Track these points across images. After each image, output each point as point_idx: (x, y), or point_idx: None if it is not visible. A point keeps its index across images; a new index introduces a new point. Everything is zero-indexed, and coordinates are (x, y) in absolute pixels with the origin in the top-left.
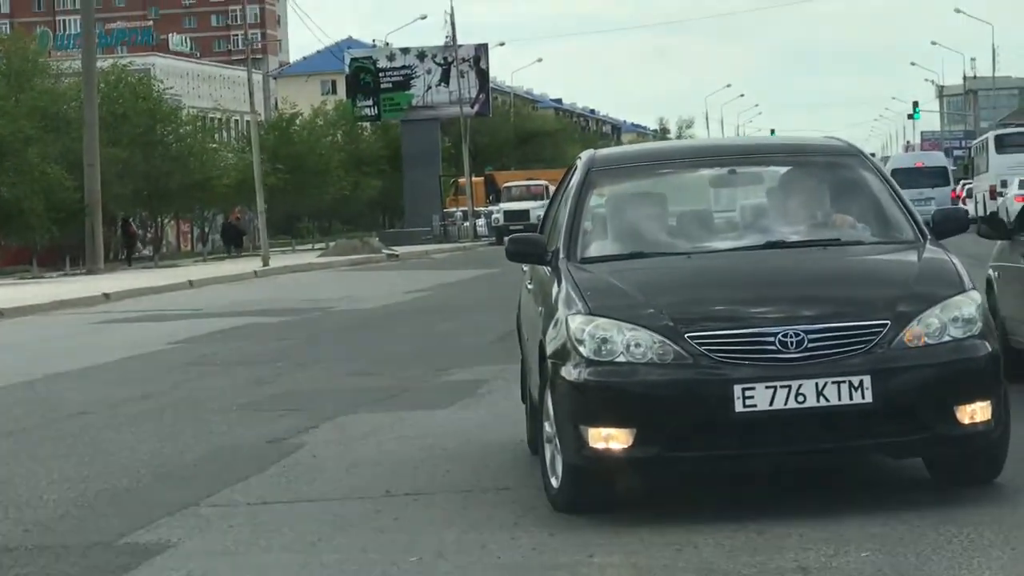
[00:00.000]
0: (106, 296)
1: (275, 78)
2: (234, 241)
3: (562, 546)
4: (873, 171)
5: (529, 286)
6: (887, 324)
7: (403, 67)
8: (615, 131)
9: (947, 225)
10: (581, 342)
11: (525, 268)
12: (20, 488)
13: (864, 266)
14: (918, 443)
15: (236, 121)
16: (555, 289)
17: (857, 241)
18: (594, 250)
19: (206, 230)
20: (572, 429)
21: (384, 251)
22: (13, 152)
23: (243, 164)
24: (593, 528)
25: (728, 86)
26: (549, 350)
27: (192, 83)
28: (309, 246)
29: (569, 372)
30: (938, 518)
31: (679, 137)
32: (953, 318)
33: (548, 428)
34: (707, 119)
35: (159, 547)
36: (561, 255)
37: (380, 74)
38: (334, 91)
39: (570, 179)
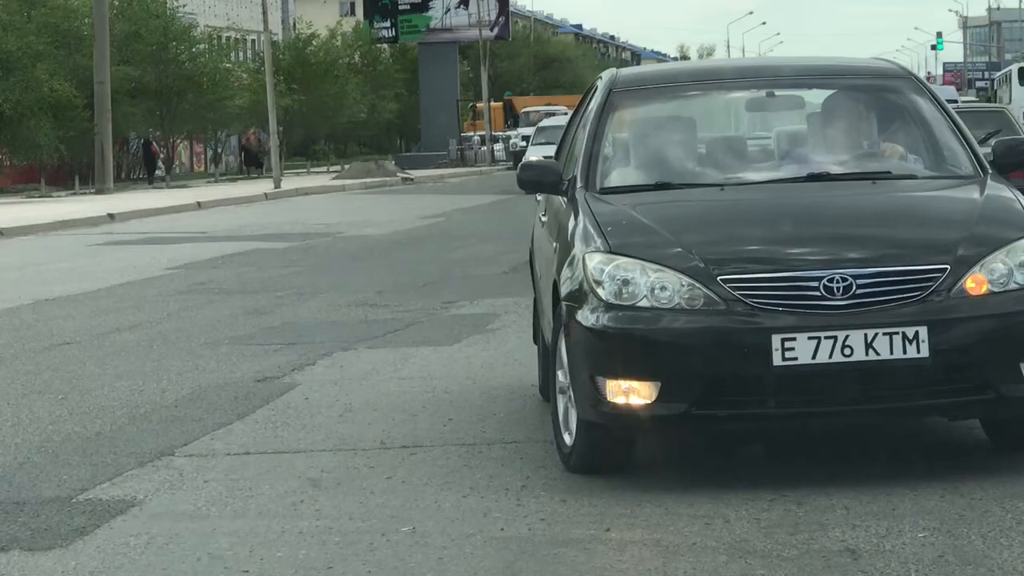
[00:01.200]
0: (110, 216)
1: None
2: (253, 162)
3: (574, 516)
4: (927, 96)
5: (543, 218)
6: (946, 269)
7: None
8: (635, 58)
9: (1010, 158)
10: (599, 283)
11: (539, 198)
12: None
13: (918, 203)
14: (979, 404)
15: (252, 41)
16: (571, 222)
17: (910, 174)
18: (615, 179)
19: (219, 151)
20: (588, 380)
21: (399, 174)
22: (20, 68)
23: (257, 85)
24: (610, 495)
25: (750, 13)
26: (564, 291)
27: (207, 1)
28: (324, 169)
29: (586, 316)
30: (1002, 491)
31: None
32: (1020, 263)
33: (561, 377)
34: (728, 47)
35: (121, 505)
36: (578, 184)
37: None
38: (352, 12)
39: (589, 101)
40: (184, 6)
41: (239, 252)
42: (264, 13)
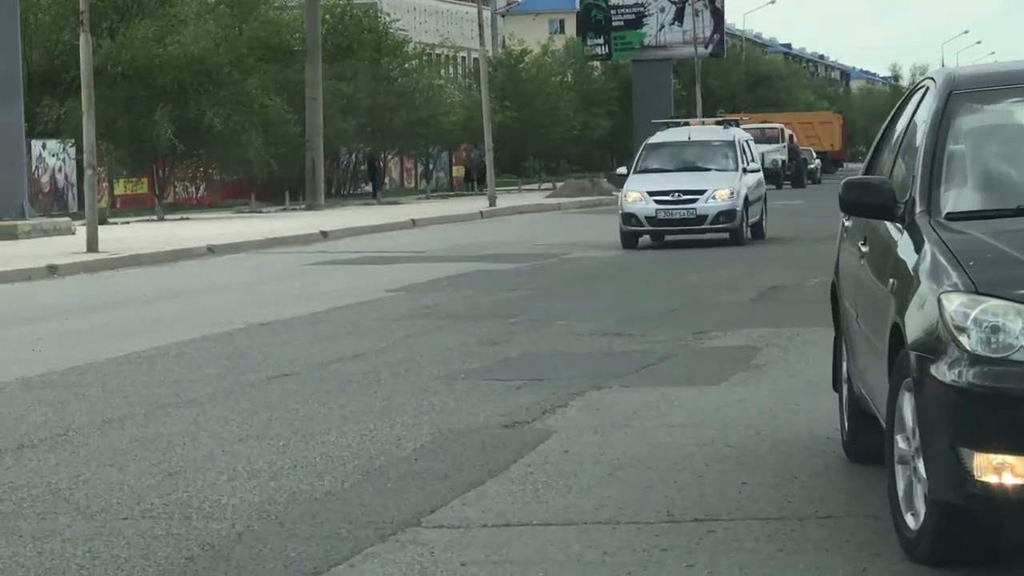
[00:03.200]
0: (323, 234)
1: (503, 15)
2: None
3: None
4: None
5: (863, 247)
6: None
7: (635, 4)
8: (844, 77)
9: None
10: (963, 330)
11: (847, 221)
12: (195, 485)
13: None
14: None
15: (463, 58)
16: (914, 255)
17: None
18: (964, 203)
19: (430, 167)
20: (949, 453)
21: (615, 192)
22: (231, 82)
23: (470, 102)
24: None
25: (966, 32)
26: (911, 337)
27: (418, 18)
28: (535, 186)
29: (944, 372)
30: None
31: (912, 86)
32: None
33: (903, 444)
34: (943, 64)
35: None
36: (918, 208)
37: (612, 11)
38: (562, 30)
39: (915, 107)
40: (398, 20)
41: (462, 274)
42: (480, 28)
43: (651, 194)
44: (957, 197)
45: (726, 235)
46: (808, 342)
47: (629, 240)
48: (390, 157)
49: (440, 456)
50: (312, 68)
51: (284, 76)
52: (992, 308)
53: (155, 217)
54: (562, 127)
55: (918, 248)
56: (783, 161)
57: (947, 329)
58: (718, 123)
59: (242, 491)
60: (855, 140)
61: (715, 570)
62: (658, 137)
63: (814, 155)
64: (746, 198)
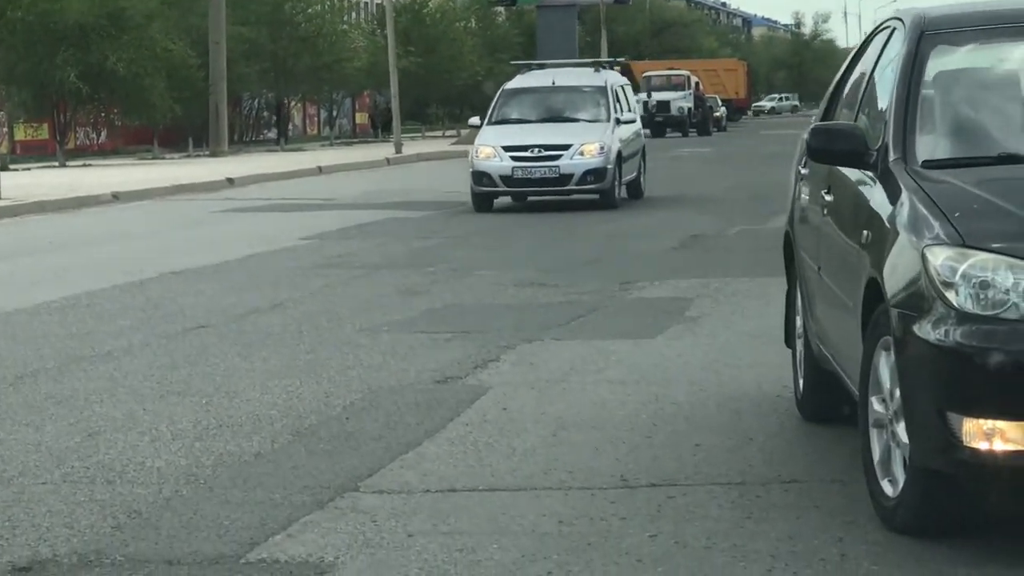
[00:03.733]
0: (230, 181)
1: None
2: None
3: None
4: None
5: (826, 197)
6: None
7: None
8: (746, 24)
9: None
10: (950, 286)
11: (804, 169)
12: (116, 446)
13: None
14: None
15: (365, 3)
16: (888, 205)
17: None
18: (937, 150)
19: (334, 114)
20: (935, 417)
21: None
22: (134, 27)
23: (374, 47)
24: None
25: None
26: (891, 293)
27: None
28: (439, 133)
29: (929, 331)
30: None
31: (815, 35)
32: None
33: (878, 407)
34: (845, 14)
35: (304, 570)
36: (891, 156)
37: None
38: None
39: (880, 51)
40: None
41: (373, 221)
42: None
43: (506, 149)
44: (933, 144)
45: (595, 196)
46: (739, 293)
47: (482, 203)
48: (293, 103)
49: (372, 414)
50: (215, 12)
51: (187, 21)
52: (981, 263)
53: (56, 164)
54: (466, 73)
55: (894, 198)
56: (689, 109)
57: (932, 285)
58: (590, 65)
59: (167, 453)
60: (757, 88)
61: (681, 539)
62: (517, 82)
63: (719, 102)
64: (619, 153)
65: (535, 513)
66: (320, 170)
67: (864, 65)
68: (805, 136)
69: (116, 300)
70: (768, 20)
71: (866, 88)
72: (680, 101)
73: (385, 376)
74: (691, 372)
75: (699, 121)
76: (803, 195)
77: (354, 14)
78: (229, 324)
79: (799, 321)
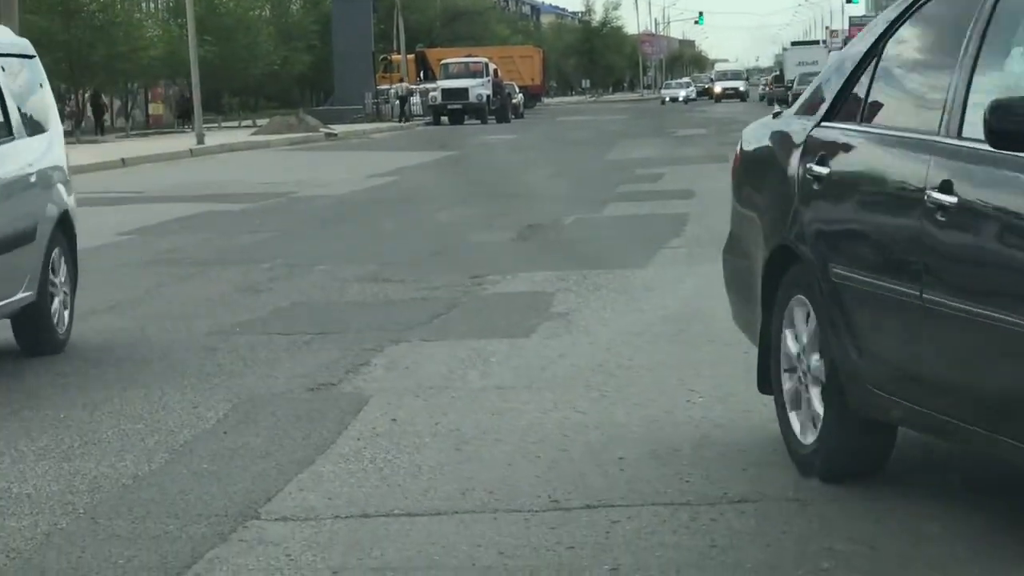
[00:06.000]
0: None
1: None
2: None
3: None
4: None
5: (942, 197)
6: None
7: None
8: (534, 11)
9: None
10: None
11: (818, 166)
12: None
13: None
14: None
15: None
16: None
17: None
18: None
19: (129, 105)
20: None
21: (322, 129)
22: None
23: (169, 36)
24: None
25: None
26: None
27: None
28: (235, 123)
29: None
30: None
31: (605, 22)
32: None
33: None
34: (636, 1)
35: None
36: None
37: None
38: None
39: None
40: None
41: (191, 215)
42: None
43: None
44: None
45: None
46: (601, 286)
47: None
48: (86, 94)
49: (251, 428)
50: (6, 2)
51: None
52: None
53: None
54: (263, 62)
55: None
56: (488, 96)
57: None
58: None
59: (33, 476)
60: (549, 75)
61: (646, 572)
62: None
63: (517, 89)
64: None
65: (468, 543)
66: (123, 162)
67: (953, 28)
68: (813, 128)
69: None
70: (556, 8)
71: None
72: (479, 88)
73: (252, 383)
74: (582, 374)
75: (498, 108)
76: (830, 200)
77: (146, 3)
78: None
79: (816, 362)
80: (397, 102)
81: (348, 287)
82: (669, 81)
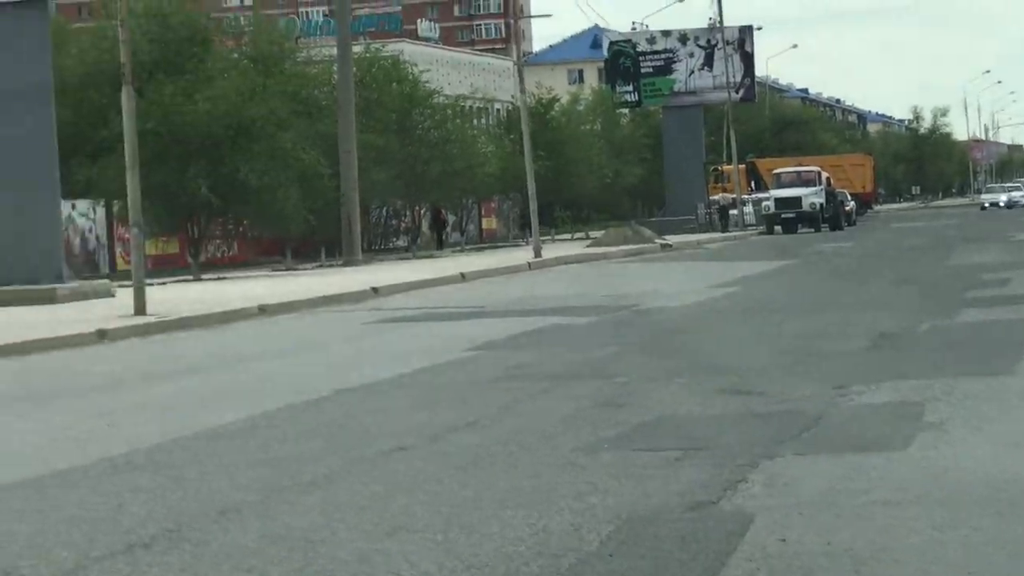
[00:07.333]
0: (374, 291)
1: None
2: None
3: None
4: None
5: None
6: None
7: (664, 51)
8: (861, 120)
9: None
10: None
11: None
12: None
13: None
14: None
15: (487, 109)
16: None
17: None
18: None
19: (464, 220)
20: None
21: (657, 240)
22: (265, 137)
23: (502, 152)
24: None
25: (987, 72)
26: None
27: (442, 70)
28: (568, 236)
29: None
30: None
31: (934, 129)
32: None
33: None
34: (965, 106)
35: None
36: None
37: (640, 58)
38: (581, 80)
39: None
40: (428, 70)
41: (536, 329)
42: (519, 74)
43: None
44: None
45: None
46: (969, 395)
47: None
48: (422, 211)
49: (636, 550)
50: (345, 120)
51: (315, 130)
52: None
53: (190, 277)
54: (595, 175)
55: None
56: (821, 204)
57: None
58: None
59: None
60: (878, 182)
61: None
62: None
63: (848, 197)
64: None
65: None
66: (463, 276)
67: None
68: None
69: (296, 421)
70: (882, 116)
71: None
72: (812, 196)
73: (628, 502)
74: (971, 489)
75: (831, 216)
76: None
77: (479, 120)
78: (428, 445)
79: None
80: (734, 212)
81: (710, 400)
82: (991, 185)
